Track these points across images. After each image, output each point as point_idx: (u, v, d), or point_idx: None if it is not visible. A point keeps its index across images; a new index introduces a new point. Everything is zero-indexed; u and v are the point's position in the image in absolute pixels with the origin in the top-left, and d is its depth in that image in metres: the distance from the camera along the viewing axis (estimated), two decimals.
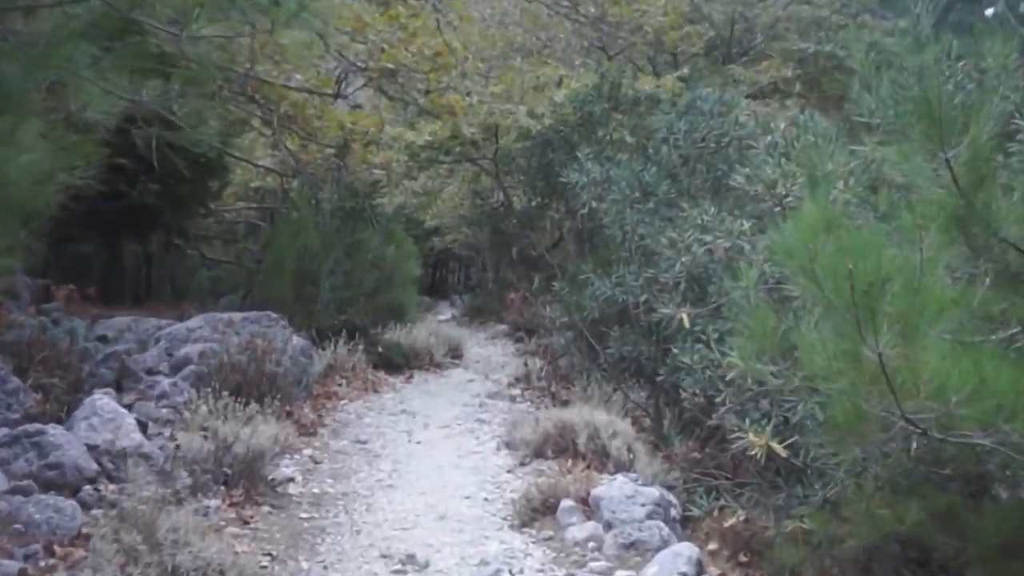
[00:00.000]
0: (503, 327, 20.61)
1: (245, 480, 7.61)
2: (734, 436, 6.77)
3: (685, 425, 10.18)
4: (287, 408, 10.07)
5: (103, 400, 8.16)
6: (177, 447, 7.68)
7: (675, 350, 8.52)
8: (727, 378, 7.31)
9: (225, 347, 10.31)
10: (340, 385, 12.66)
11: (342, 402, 11.96)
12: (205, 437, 7.95)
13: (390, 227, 17.52)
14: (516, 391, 13.08)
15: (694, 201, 10.39)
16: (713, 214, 8.08)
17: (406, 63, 13.69)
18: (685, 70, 17.94)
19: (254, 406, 9.31)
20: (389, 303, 15.78)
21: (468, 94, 14.19)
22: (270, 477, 7.97)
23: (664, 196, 10.43)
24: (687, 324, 7.95)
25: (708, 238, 7.98)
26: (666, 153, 10.92)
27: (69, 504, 6.51)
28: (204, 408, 9.25)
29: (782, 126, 9.54)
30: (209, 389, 9.50)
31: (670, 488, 8.17)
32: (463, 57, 14.50)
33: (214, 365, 10.02)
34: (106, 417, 7.94)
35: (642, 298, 9.86)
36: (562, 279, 13.93)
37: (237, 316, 12.29)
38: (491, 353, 17.60)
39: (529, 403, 12.17)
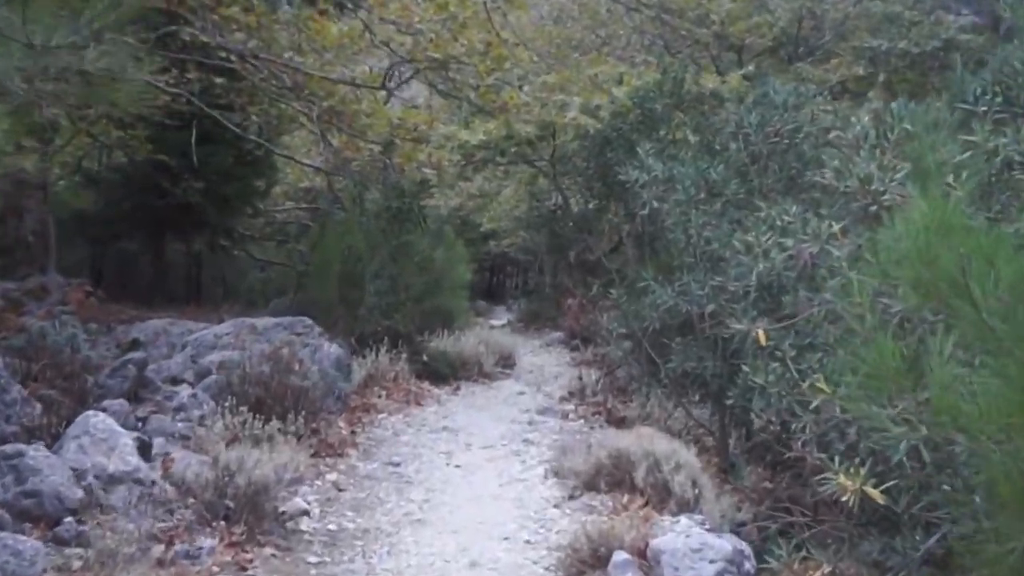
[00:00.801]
0: (559, 334, 19.33)
1: (250, 514, 6.41)
2: (821, 477, 5.54)
3: (753, 448, 9.04)
4: (313, 425, 8.91)
5: (98, 417, 7.05)
6: (158, 479, 6.58)
7: (745, 368, 7.30)
8: (812, 406, 6.11)
9: (247, 356, 9.15)
10: (380, 397, 11.49)
11: (380, 416, 10.79)
12: (208, 462, 6.82)
13: (440, 228, 16.36)
14: (569, 406, 11.82)
15: (768, 201, 9.28)
16: (795, 214, 6.79)
17: (456, 55, 12.62)
18: (750, 68, 16.73)
19: (275, 423, 8.25)
20: (437, 308, 14.59)
21: (521, 86, 13.04)
22: (280, 510, 6.78)
23: (732, 196, 9.25)
24: (764, 342, 6.68)
25: (789, 242, 6.70)
26: (735, 149, 9.71)
27: (31, 546, 5.39)
28: (220, 424, 8.20)
29: (865, 119, 8.37)
30: (227, 404, 8.46)
31: (740, 527, 6.94)
32: (515, 44, 13.34)
33: (235, 376, 8.89)
34: (99, 437, 6.85)
35: (708, 308, 8.66)
36: (620, 286, 12.85)
37: (268, 322, 11.22)
38: (545, 362, 16.33)
39: (583, 420, 10.92)
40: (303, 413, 8.65)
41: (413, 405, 11.60)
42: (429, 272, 14.67)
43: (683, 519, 6.54)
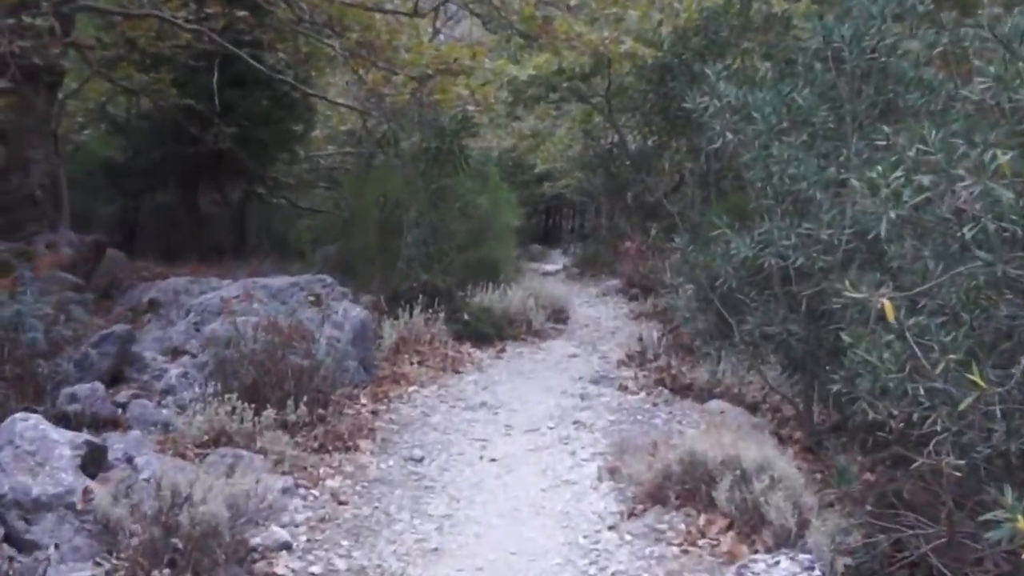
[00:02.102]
0: (616, 282, 17.20)
1: (204, 557, 4.57)
2: (989, 519, 3.63)
3: (843, 423, 7.29)
4: (320, 411, 7.07)
5: (27, 422, 5.28)
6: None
7: (846, 337, 5.43)
8: (962, 406, 4.25)
9: (243, 327, 7.28)
10: (412, 364, 9.64)
11: (411, 389, 8.92)
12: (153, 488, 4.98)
13: (483, 170, 14.39)
14: (628, 372, 9.78)
15: (863, 130, 7.45)
16: (940, 142, 4.76)
17: None
18: None
19: (271, 412, 6.47)
20: (480, 259, 12.65)
21: (569, 6, 11.12)
22: (252, 543, 4.95)
23: (821, 126, 7.35)
24: (891, 316, 4.73)
25: (925, 180, 4.72)
26: (820, 70, 7.79)
27: None
28: (200, 418, 6.43)
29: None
30: (211, 389, 6.72)
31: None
32: None
33: (226, 354, 7.09)
34: (24, 448, 5.10)
35: (796, 261, 6.80)
36: (684, 230, 11.04)
37: (283, 281, 9.47)
38: (601, 315, 14.28)
39: (644, 393, 8.87)
40: (306, 398, 6.85)
41: (450, 373, 9.72)
42: (472, 219, 12.74)
43: (783, 560, 4.63)
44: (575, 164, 23.47)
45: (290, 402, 6.78)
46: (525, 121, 21.88)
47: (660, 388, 9.02)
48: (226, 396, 6.55)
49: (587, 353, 11.07)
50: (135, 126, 16.41)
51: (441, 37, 17.32)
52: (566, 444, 7.24)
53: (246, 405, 6.51)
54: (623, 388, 9.00)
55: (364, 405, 8.14)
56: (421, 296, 10.63)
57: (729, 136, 7.62)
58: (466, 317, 11.12)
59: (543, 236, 32.96)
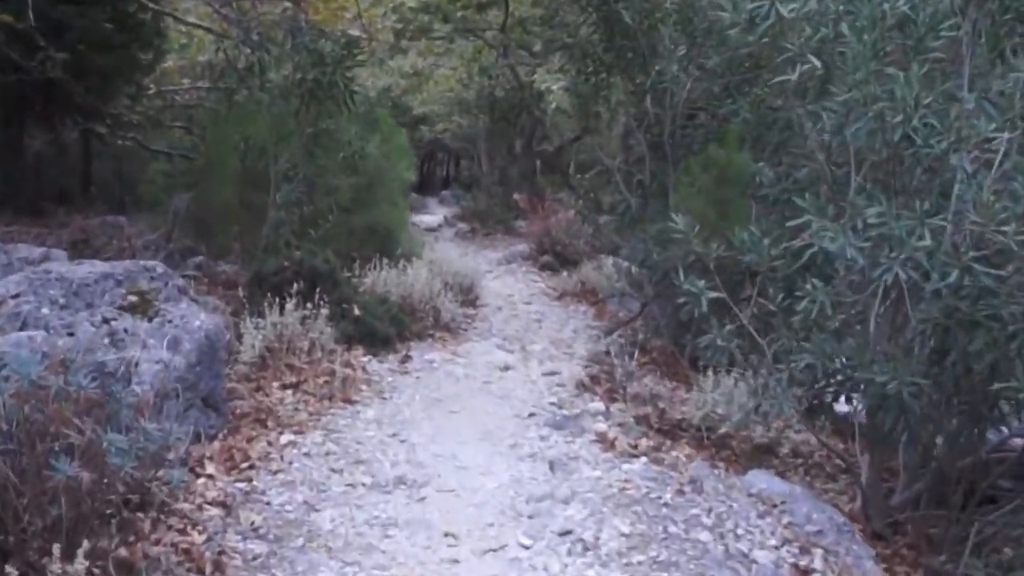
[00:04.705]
0: (521, 247, 13.56)
1: None
2: None
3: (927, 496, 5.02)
4: (117, 552, 3.47)
5: None
6: None
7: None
8: None
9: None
10: (285, 389, 6.06)
11: (283, 438, 5.32)
12: None
13: (373, 112, 10.72)
14: (595, 404, 6.23)
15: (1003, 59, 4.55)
16: None
17: None
18: None
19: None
20: (370, 226, 9.02)
21: None
22: None
23: (935, 58, 4.24)
24: None
25: None
26: None
27: None
28: None
29: None
30: None
31: None
32: None
33: None
34: None
35: (949, 277, 3.62)
36: (635, 193, 7.85)
37: (93, 271, 5.76)
38: (514, 292, 10.66)
39: (644, 457, 5.13)
40: (86, 542, 3.23)
41: (338, 402, 6.09)
42: (359, 172, 9.10)
43: None
44: (459, 107, 19.82)
45: (58, 546, 3.17)
46: (406, 59, 18.23)
47: (646, 430, 5.60)
48: None
49: (521, 361, 7.55)
50: None
51: None
52: None
53: None
54: (607, 443, 5.42)
55: (210, 478, 4.61)
56: (296, 283, 6.97)
57: (816, 61, 4.32)
58: (356, 312, 7.43)
59: (418, 185, 29.14)
